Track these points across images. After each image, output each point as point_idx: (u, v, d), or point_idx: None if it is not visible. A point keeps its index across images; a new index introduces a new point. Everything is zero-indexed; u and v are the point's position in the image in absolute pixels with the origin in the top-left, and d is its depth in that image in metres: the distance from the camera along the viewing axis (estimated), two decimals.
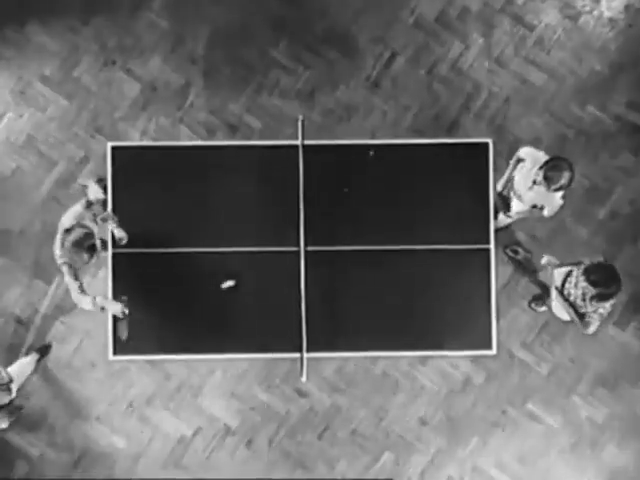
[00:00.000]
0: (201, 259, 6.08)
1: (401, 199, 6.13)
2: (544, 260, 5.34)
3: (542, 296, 6.02)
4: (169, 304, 6.07)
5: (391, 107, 6.23)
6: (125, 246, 5.94)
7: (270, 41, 6.25)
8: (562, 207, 5.25)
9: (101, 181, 5.45)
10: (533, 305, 6.09)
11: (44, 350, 6.08)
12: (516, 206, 5.50)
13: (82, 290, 5.16)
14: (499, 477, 6.09)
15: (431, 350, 6.08)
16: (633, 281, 6.12)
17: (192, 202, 6.10)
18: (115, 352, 6.08)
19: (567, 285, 5.06)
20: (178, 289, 6.08)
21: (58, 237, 5.13)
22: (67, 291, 6.05)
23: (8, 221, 6.16)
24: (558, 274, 5.18)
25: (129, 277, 6.10)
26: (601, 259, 4.99)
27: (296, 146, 5.92)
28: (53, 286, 6.01)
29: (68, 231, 5.09)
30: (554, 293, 5.29)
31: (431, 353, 6.09)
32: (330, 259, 6.08)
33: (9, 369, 5.61)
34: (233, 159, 6.16)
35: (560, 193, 5.10)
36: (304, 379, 5.69)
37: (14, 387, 5.51)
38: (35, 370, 6.01)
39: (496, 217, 6.08)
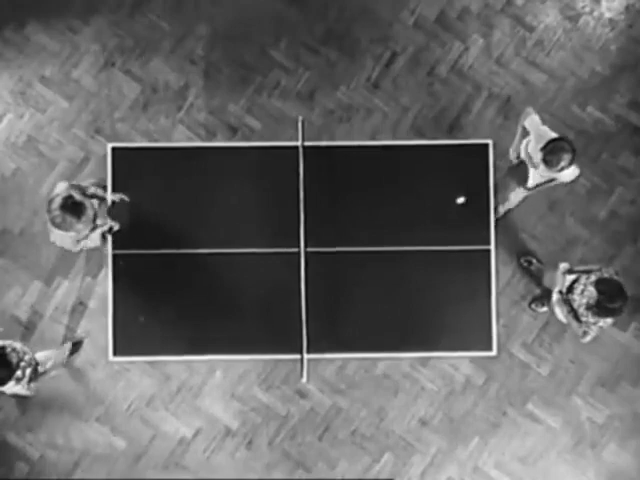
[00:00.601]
0: (201, 260, 6.08)
1: (401, 200, 6.13)
2: (561, 267, 5.26)
3: (542, 297, 6.01)
4: (169, 305, 6.07)
5: (391, 108, 6.22)
6: (125, 247, 5.94)
7: (270, 42, 6.25)
8: (579, 175, 5.18)
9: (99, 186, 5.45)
10: (533, 306, 6.09)
11: (77, 345, 6.05)
12: (533, 178, 5.38)
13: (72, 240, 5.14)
14: (499, 478, 6.09)
15: (431, 351, 6.08)
16: (633, 281, 6.12)
17: (192, 203, 6.11)
18: (115, 353, 6.08)
19: (574, 290, 5.01)
20: (178, 290, 6.08)
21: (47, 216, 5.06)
22: (68, 294, 6.09)
23: (8, 222, 6.16)
24: (567, 279, 5.13)
25: (129, 278, 6.10)
26: (613, 273, 4.93)
27: (296, 147, 5.92)
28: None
29: (49, 207, 5.01)
30: (555, 296, 5.27)
31: (431, 354, 6.09)
32: (330, 260, 6.09)
33: (37, 354, 5.54)
34: (233, 160, 6.16)
35: (570, 169, 5.01)
36: (304, 380, 5.69)
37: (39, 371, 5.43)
38: (64, 363, 5.96)
39: (496, 211, 6.05)
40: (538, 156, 4.94)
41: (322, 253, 6.08)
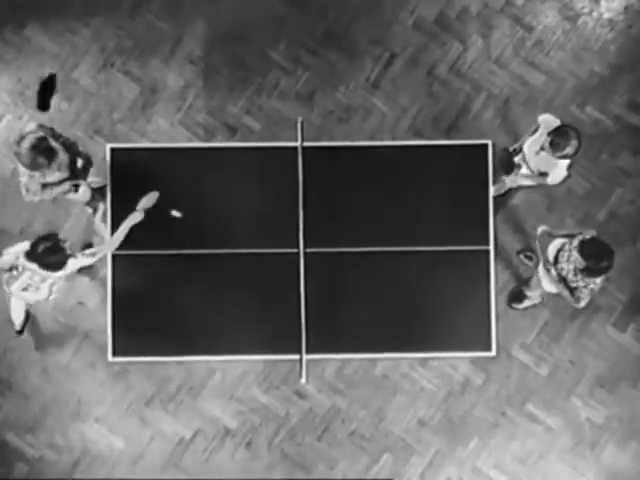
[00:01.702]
0: (200, 261, 6.09)
1: (401, 200, 6.14)
2: (539, 230, 5.28)
3: (520, 293, 5.98)
4: (168, 306, 6.07)
5: (390, 108, 6.22)
6: (124, 247, 5.94)
7: (269, 42, 6.25)
8: (567, 178, 5.23)
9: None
10: (513, 305, 6.07)
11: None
12: (520, 170, 5.49)
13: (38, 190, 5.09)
14: (498, 478, 6.08)
15: (430, 351, 6.08)
16: (633, 282, 6.12)
17: (191, 204, 6.10)
18: (115, 354, 6.08)
19: (560, 259, 5.04)
20: (177, 291, 6.08)
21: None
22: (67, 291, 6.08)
23: (7, 222, 6.16)
24: (551, 248, 5.14)
25: (128, 279, 6.10)
26: (594, 233, 4.97)
27: (295, 147, 5.93)
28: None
29: (19, 141, 4.94)
30: (541, 268, 5.25)
31: (430, 355, 6.09)
32: (330, 261, 6.09)
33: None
34: (232, 161, 6.16)
35: (565, 163, 5.08)
36: (303, 381, 5.70)
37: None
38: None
39: (495, 183, 6.06)
40: (546, 141, 4.98)
41: (321, 253, 6.08)
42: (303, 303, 5.74)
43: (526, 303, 5.97)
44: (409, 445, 6.10)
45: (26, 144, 4.88)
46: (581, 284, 4.96)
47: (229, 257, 6.10)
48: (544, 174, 5.27)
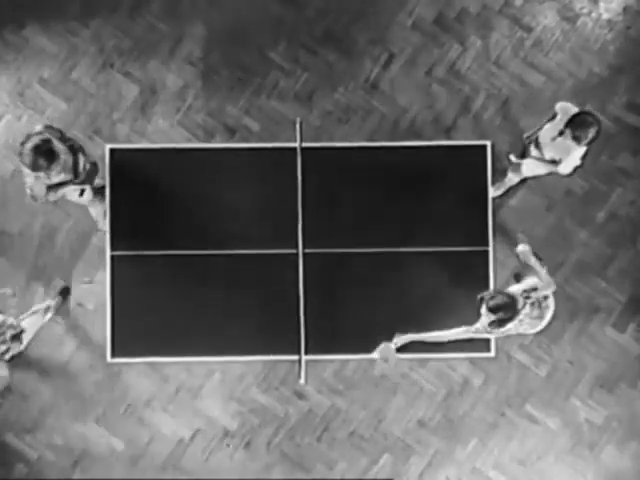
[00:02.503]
0: (199, 261, 6.09)
1: (399, 201, 6.13)
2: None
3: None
4: (167, 306, 6.08)
5: (389, 109, 6.22)
6: (124, 248, 5.95)
7: (268, 43, 6.24)
8: (578, 168, 5.23)
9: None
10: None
11: (64, 292, 6.05)
12: (531, 159, 5.45)
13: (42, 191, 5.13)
14: (498, 479, 6.09)
15: (430, 352, 6.08)
16: (632, 283, 6.12)
17: (190, 205, 6.11)
18: (113, 354, 6.09)
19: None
20: (176, 291, 6.09)
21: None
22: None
23: (6, 223, 6.16)
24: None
25: (128, 279, 6.10)
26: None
27: (294, 148, 5.93)
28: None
29: (24, 142, 4.98)
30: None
31: (430, 355, 6.09)
32: (329, 261, 6.09)
33: (23, 321, 5.55)
34: (231, 161, 6.16)
35: (580, 152, 5.07)
36: (303, 381, 5.70)
37: (25, 338, 5.46)
38: (54, 314, 5.98)
39: (494, 185, 6.05)
40: (566, 129, 4.98)
41: (320, 254, 6.08)
42: (302, 303, 5.75)
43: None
44: (408, 445, 6.10)
45: (29, 145, 4.93)
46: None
47: (228, 258, 6.10)
48: (556, 162, 5.24)
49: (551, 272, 6.08)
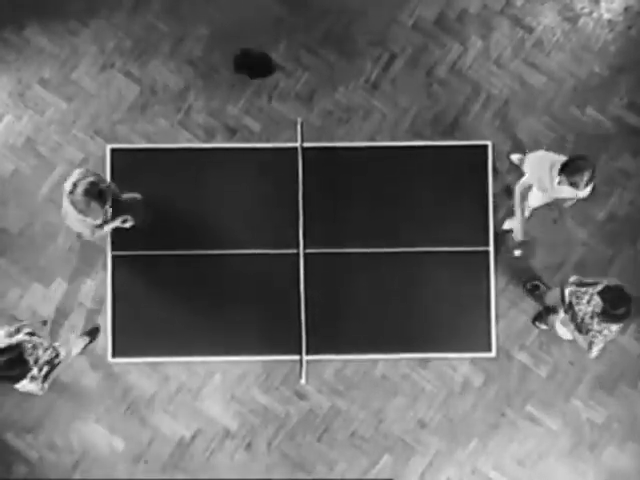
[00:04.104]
0: (200, 261, 6.09)
1: (400, 201, 6.14)
2: (571, 280, 5.24)
3: (547, 314, 5.98)
4: (168, 306, 6.08)
5: (390, 109, 6.22)
6: (125, 248, 5.95)
7: (269, 43, 6.24)
8: (593, 188, 5.23)
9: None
10: (537, 323, 6.08)
11: (93, 333, 6.06)
12: (534, 200, 5.47)
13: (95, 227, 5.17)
14: (498, 479, 6.09)
15: (430, 352, 6.08)
16: (632, 283, 6.11)
17: (191, 204, 6.11)
18: (114, 354, 6.09)
19: (576, 302, 5.01)
20: (177, 291, 6.09)
21: (64, 199, 5.06)
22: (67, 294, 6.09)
23: (7, 223, 6.17)
24: (567, 292, 5.14)
25: (129, 279, 6.10)
26: (619, 283, 4.94)
27: (295, 148, 5.93)
28: None
29: (73, 190, 5.00)
30: (562, 315, 5.26)
31: (430, 355, 6.09)
32: (329, 261, 6.09)
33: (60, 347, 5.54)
34: (232, 161, 6.16)
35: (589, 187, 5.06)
36: (303, 381, 5.69)
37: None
38: (81, 352, 5.99)
39: (502, 223, 6.06)
40: (562, 179, 4.96)
41: (321, 254, 6.08)
42: (303, 304, 5.74)
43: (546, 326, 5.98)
44: (409, 446, 6.10)
45: (80, 189, 4.95)
46: (596, 328, 4.92)
47: (229, 258, 6.10)
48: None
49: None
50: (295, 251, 5.96)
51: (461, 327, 6.09)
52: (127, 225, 5.46)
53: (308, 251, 5.99)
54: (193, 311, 6.08)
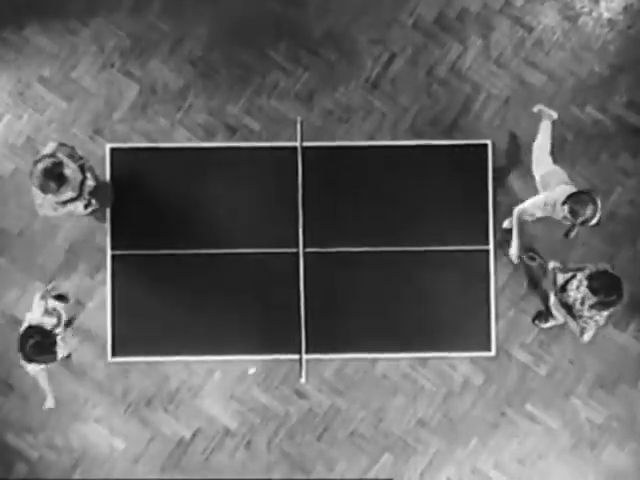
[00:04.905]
0: (199, 260, 6.09)
1: (400, 201, 6.14)
2: (551, 265, 5.33)
3: (546, 313, 5.99)
4: (168, 306, 6.08)
5: (390, 108, 6.22)
6: (125, 248, 5.94)
7: (269, 42, 6.24)
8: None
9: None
10: (537, 322, 6.08)
11: (62, 298, 6.06)
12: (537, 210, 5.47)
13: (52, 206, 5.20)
14: (498, 478, 6.09)
15: (430, 351, 6.08)
16: (632, 283, 6.12)
17: (191, 204, 6.11)
18: (114, 354, 6.09)
19: (569, 287, 5.05)
20: (177, 291, 6.09)
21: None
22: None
23: (7, 223, 6.16)
24: (562, 278, 5.16)
25: (128, 279, 6.10)
26: (607, 267, 4.97)
27: (295, 147, 5.93)
28: None
29: (34, 165, 5.06)
30: (553, 299, 5.29)
31: (430, 354, 6.09)
32: (329, 260, 6.09)
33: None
34: (232, 161, 6.16)
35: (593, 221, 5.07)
36: (303, 380, 5.70)
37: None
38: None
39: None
40: (563, 209, 5.03)
41: (321, 253, 6.08)
42: (303, 303, 5.74)
43: (550, 323, 5.97)
44: (409, 445, 6.10)
45: (40, 166, 4.99)
46: (586, 314, 4.95)
47: (229, 257, 6.10)
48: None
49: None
50: (295, 250, 5.97)
51: (461, 326, 6.09)
52: (89, 209, 5.45)
53: (308, 250, 5.99)
54: (193, 310, 6.08)
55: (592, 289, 4.78)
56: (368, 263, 6.10)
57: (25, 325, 5.17)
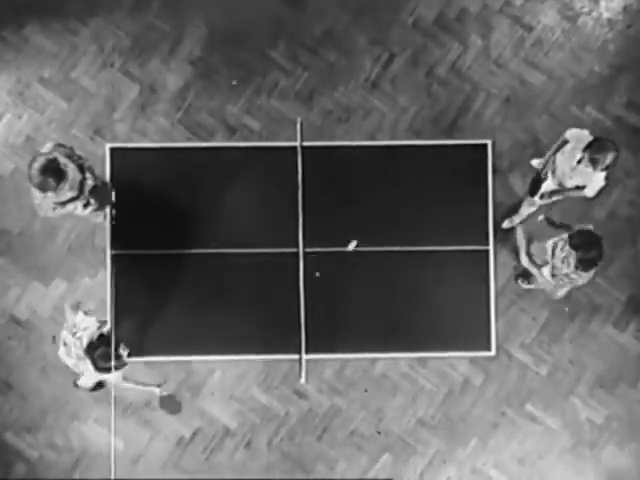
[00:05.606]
0: (199, 260, 6.09)
1: (400, 201, 6.14)
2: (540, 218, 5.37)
3: (527, 274, 5.96)
4: (168, 305, 6.08)
5: (390, 108, 6.23)
6: (125, 247, 5.94)
7: (269, 43, 6.25)
8: (604, 188, 5.25)
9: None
10: (519, 281, 6.05)
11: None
12: (547, 186, 5.47)
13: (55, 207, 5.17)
14: (498, 478, 6.09)
15: (430, 351, 6.08)
16: (632, 282, 6.12)
17: (191, 204, 6.11)
18: None
19: (555, 250, 5.08)
20: (177, 290, 6.09)
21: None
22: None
23: (7, 222, 6.16)
24: (549, 242, 5.17)
25: (128, 278, 6.10)
26: (590, 227, 5.02)
27: (295, 147, 5.93)
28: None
29: (31, 164, 5.00)
30: (518, 230, 5.33)
31: (430, 354, 6.09)
32: (329, 260, 6.09)
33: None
34: (232, 160, 6.16)
35: (604, 173, 5.09)
36: (303, 380, 5.71)
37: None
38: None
39: (503, 221, 6.04)
40: (584, 157, 5.00)
41: (321, 253, 6.08)
42: (303, 303, 5.75)
43: (532, 286, 5.94)
44: (409, 445, 6.10)
45: (36, 165, 4.93)
46: (565, 271, 4.97)
47: (229, 257, 6.10)
48: (580, 187, 5.25)
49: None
50: (295, 250, 5.97)
51: (461, 326, 6.09)
52: (89, 209, 5.42)
53: (308, 250, 5.99)
54: (193, 310, 6.08)
55: (573, 245, 4.84)
56: (368, 263, 6.10)
57: (85, 342, 5.09)
